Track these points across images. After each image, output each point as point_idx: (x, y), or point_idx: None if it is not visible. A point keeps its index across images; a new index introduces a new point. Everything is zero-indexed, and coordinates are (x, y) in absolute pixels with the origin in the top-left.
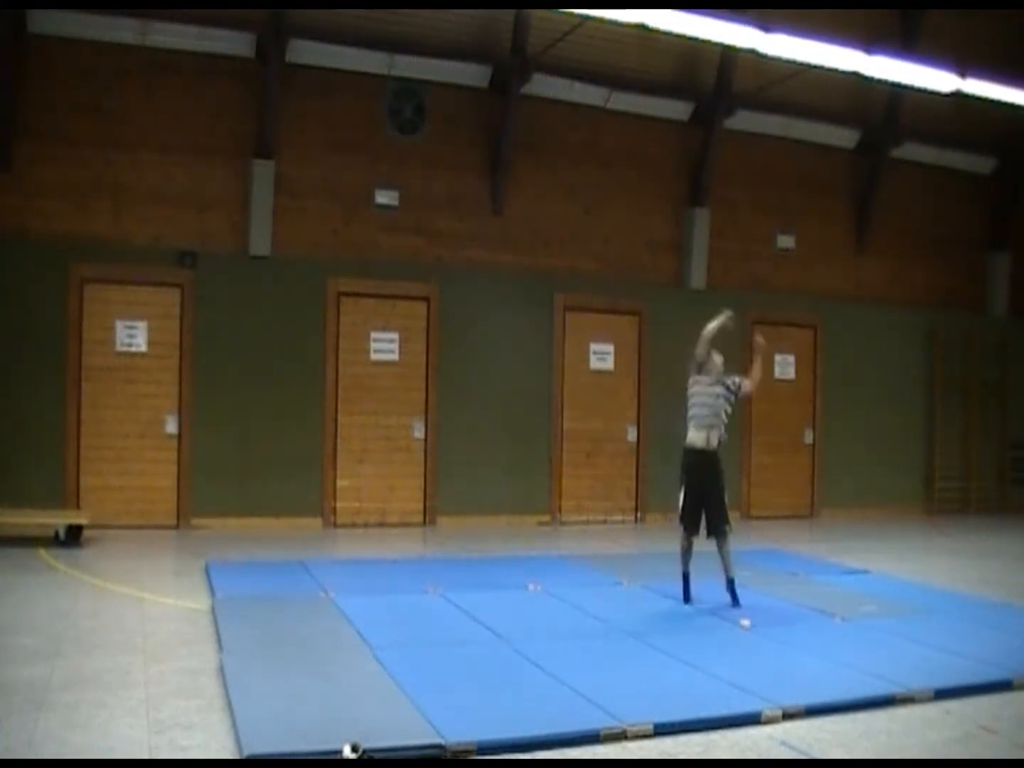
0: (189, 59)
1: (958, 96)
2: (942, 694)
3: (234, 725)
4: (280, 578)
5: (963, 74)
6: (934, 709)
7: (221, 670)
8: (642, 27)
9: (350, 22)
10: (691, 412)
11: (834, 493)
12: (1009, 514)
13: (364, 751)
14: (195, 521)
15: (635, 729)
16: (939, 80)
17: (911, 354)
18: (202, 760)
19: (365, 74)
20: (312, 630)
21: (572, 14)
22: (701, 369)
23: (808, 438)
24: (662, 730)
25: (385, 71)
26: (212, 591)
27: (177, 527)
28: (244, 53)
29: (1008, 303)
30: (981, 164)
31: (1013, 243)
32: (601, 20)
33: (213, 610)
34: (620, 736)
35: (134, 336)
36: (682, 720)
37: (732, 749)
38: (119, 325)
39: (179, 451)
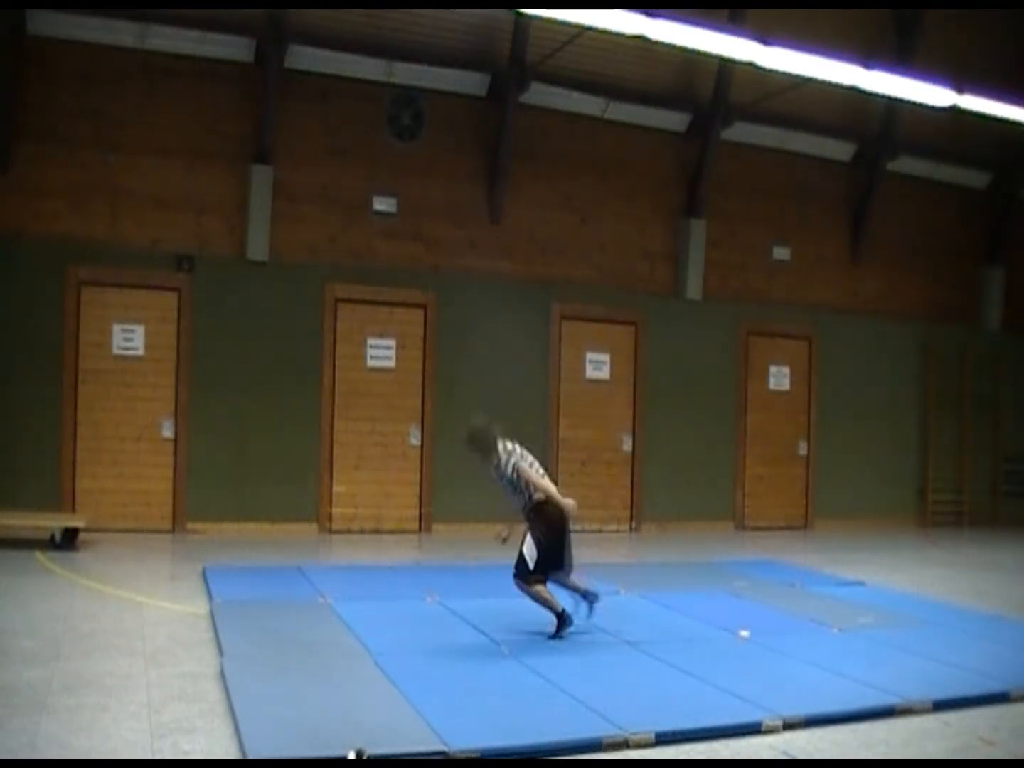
0: (188, 63)
1: (954, 111)
2: (940, 705)
3: (237, 730)
4: (277, 583)
5: (960, 89)
6: (933, 720)
7: (222, 675)
8: (641, 38)
9: (349, 28)
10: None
11: (828, 504)
12: (1001, 527)
13: (368, 757)
14: (190, 525)
15: (637, 738)
16: (936, 95)
17: (905, 366)
18: (203, 760)
19: (364, 80)
20: (312, 635)
21: (571, 23)
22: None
23: (802, 449)
24: (663, 739)
25: (384, 78)
26: (210, 595)
27: (172, 531)
28: (243, 58)
29: (1001, 317)
30: (976, 178)
31: (1007, 257)
32: (600, 31)
33: (212, 614)
34: (622, 744)
35: (131, 339)
36: (683, 729)
37: (734, 758)
38: (116, 328)
39: (175, 455)
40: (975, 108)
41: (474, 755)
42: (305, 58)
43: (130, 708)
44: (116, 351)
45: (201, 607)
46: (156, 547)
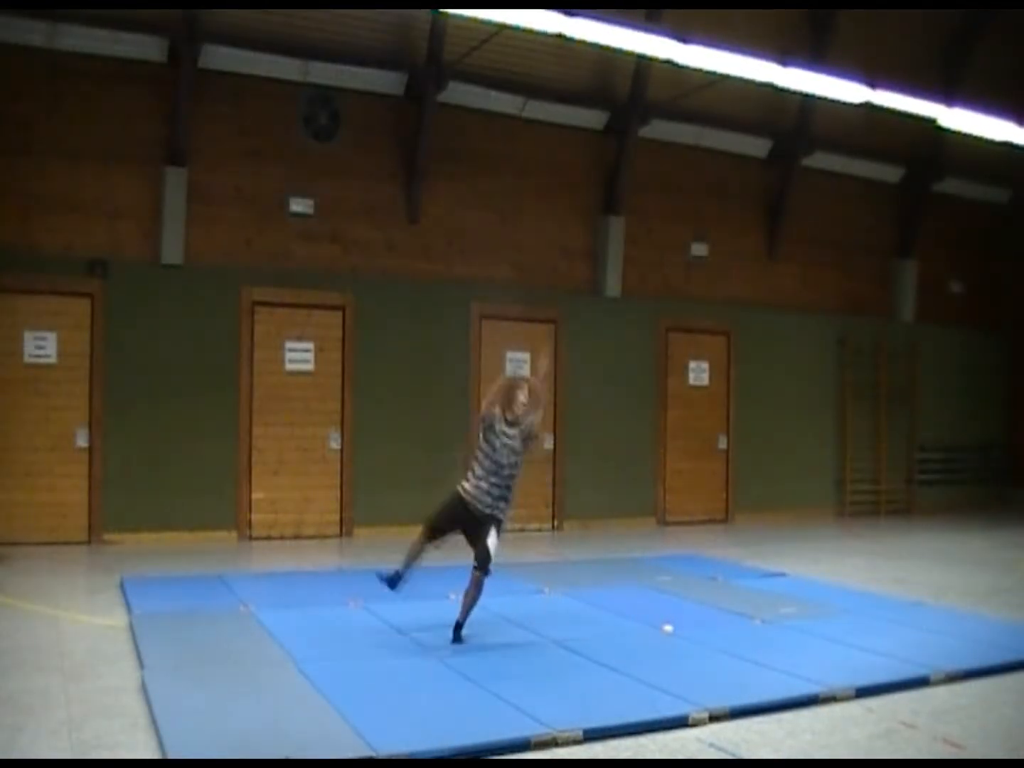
0: (99, 63)
1: (867, 107)
2: (863, 692)
3: (160, 744)
4: (198, 593)
5: (873, 85)
6: (856, 707)
7: (143, 688)
8: (560, 37)
9: (264, 27)
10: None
11: (748, 498)
12: (917, 515)
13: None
14: (107, 536)
15: (565, 735)
16: (850, 91)
17: (822, 359)
18: (201, 760)
19: (279, 80)
20: (234, 645)
21: (489, 22)
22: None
23: (722, 444)
24: (591, 735)
25: (300, 77)
26: (129, 607)
27: (89, 543)
28: (156, 58)
29: (915, 309)
30: (889, 173)
31: (919, 250)
32: (518, 29)
33: (131, 627)
34: (550, 743)
35: (43, 347)
36: (611, 725)
37: (661, 752)
38: (28, 336)
39: (90, 464)
40: (888, 104)
41: (402, 759)
42: (219, 57)
43: (49, 726)
44: (28, 359)
45: (120, 620)
46: (72, 559)
